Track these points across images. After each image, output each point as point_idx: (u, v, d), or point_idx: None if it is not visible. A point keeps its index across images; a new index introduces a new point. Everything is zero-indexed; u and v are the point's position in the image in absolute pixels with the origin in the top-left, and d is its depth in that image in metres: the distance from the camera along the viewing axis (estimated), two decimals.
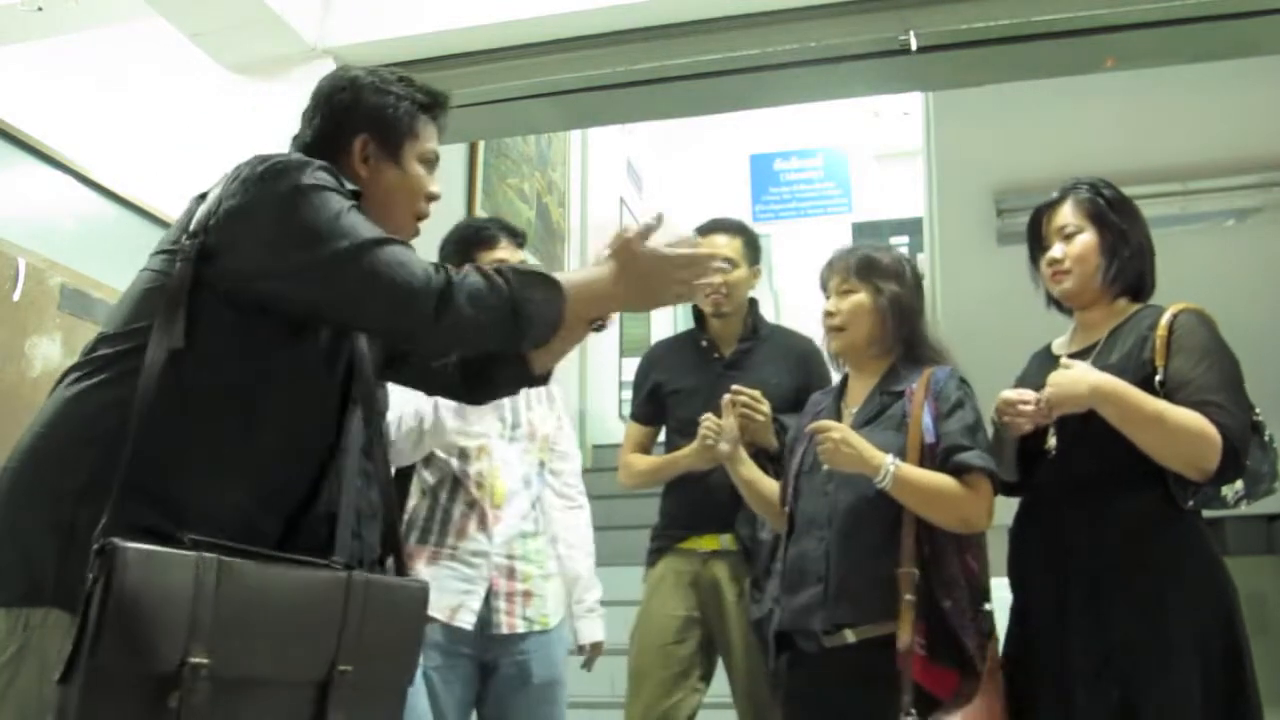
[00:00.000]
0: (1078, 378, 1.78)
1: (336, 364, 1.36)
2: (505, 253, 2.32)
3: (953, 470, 1.87)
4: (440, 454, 2.22)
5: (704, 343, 2.68)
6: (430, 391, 1.74)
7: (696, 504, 2.43)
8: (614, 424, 6.09)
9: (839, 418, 2.05)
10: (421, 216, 1.51)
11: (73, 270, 2.43)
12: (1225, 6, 2.51)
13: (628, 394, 2.97)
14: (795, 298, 5.85)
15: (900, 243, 6.88)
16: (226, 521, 1.19)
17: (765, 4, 2.70)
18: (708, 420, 2.20)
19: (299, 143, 1.47)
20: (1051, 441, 1.88)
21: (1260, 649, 1.78)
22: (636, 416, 2.71)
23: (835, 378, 2.25)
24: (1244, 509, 1.90)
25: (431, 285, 1.24)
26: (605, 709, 3.12)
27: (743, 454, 2.17)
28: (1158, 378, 1.78)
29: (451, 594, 2.13)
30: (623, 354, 6.60)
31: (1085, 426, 1.82)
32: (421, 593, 1.37)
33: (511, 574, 2.20)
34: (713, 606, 2.48)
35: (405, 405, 2.11)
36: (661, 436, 2.74)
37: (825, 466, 1.94)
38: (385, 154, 1.45)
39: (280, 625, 1.16)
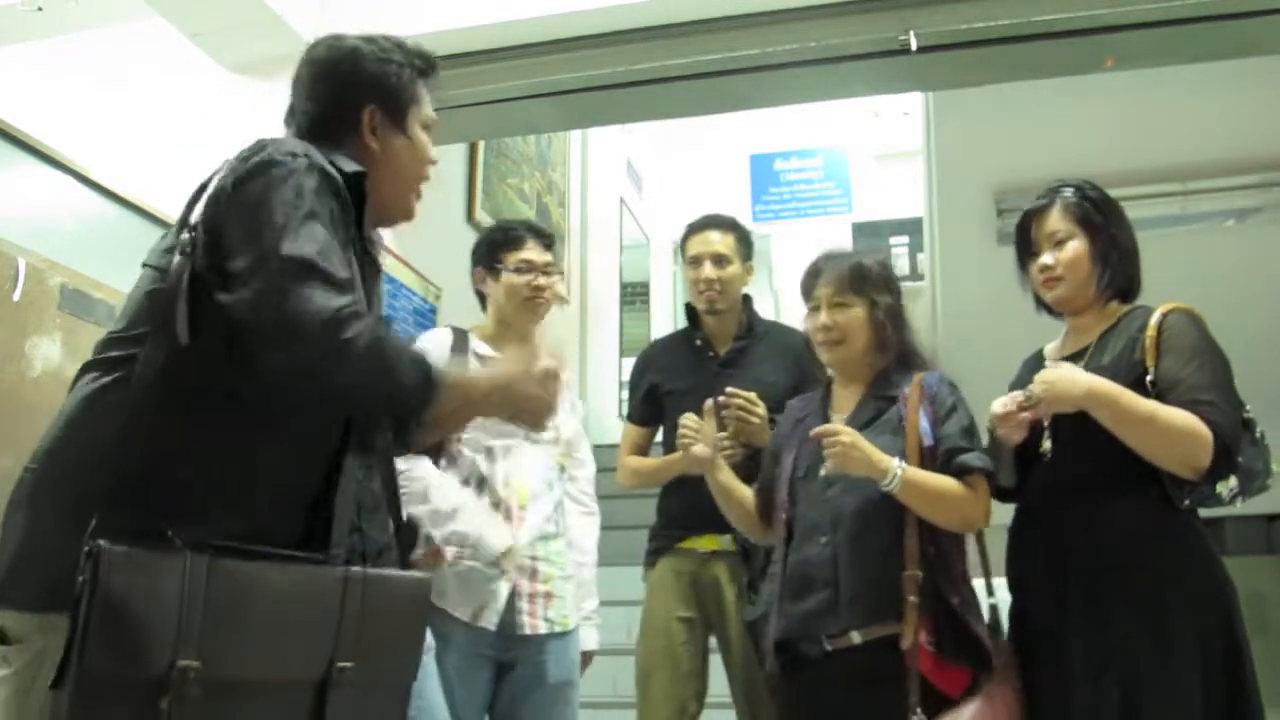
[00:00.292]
0: (1072, 379, 1.79)
1: None
2: (532, 253, 2.35)
3: (955, 471, 1.90)
4: (467, 452, 2.22)
5: (698, 341, 2.67)
6: None
7: (695, 504, 2.40)
8: (613, 423, 6.09)
9: (829, 423, 2.04)
10: (423, 180, 1.50)
11: (73, 270, 2.43)
12: (1225, 6, 2.51)
13: (627, 394, 2.98)
14: (795, 298, 5.84)
15: (900, 243, 6.88)
16: (240, 522, 1.17)
17: (765, 4, 2.70)
18: (687, 419, 2.18)
19: (301, 119, 1.43)
20: (1046, 445, 1.89)
21: (1260, 649, 1.78)
22: (633, 418, 2.71)
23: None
24: (1243, 509, 1.90)
25: (331, 327, 1.14)
26: (607, 709, 3.12)
27: (720, 460, 2.17)
28: (1149, 378, 1.79)
29: (476, 594, 2.12)
30: (623, 354, 6.60)
31: (1080, 429, 1.82)
32: (422, 586, 1.34)
33: (534, 575, 2.19)
34: (713, 606, 2.48)
35: None
36: (658, 436, 2.73)
37: (823, 472, 1.94)
38: (392, 123, 1.43)
39: (274, 624, 1.14)
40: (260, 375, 1.19)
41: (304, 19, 2.90)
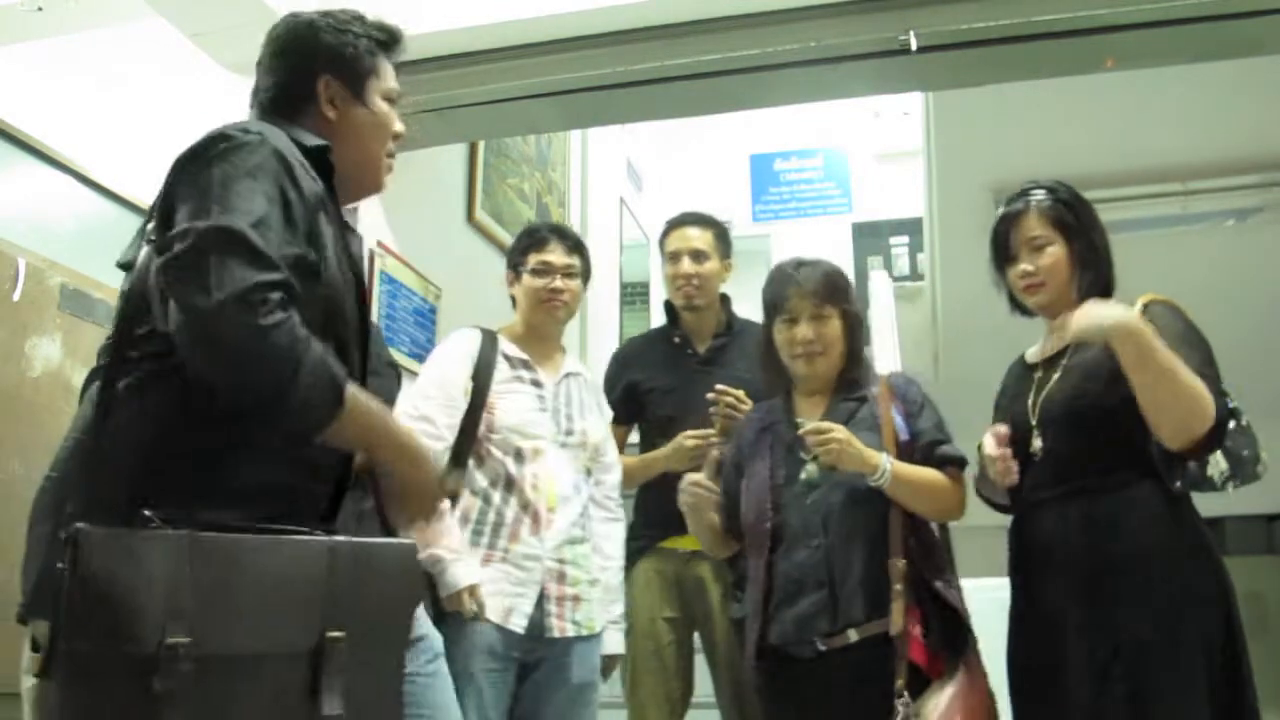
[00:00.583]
0: (1107, 307, 1.77)
1: (346, 348, 1.32)
2: (553, 256, 2.36)
3: (936, 462, 1.98)
4: (496, 453, 2.22)
5: (677, 339, 2.68)
6: None
7: (675, 505, 2.41)
8: None
9: (795, 430, 2.07)
10: (390, 154, 1.49)
11: (73, 270, 2.44)
12: (1225, 6, 2.51)
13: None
14: None
15: (900, 243, 6.88)
16: (267, 500, 1.19)
17: (765, 4, 2.70)
18: (690, 436, 2.31)
19: (262, 97, 1.44)
20: (1037, 444, 1.90)
21: (1260, 649, 1.79)
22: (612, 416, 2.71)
23: None
24: (1243, 509, 1.91)
25: (250, 296, 1.11)
26: (605, 709, 3.12)
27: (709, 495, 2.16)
28: None
29: (505, 596, 2.13)
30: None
31: (1069, 427, 1.83)
32: (409, 551, 1.30)
33: (562, 578, 2.20)
34: (698, 606, 2.48)
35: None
36: (634, 436, 2.72)
37: (803, 476, 1.99)
38: (351, 94, 1.43)
39: (263, 597, 1.14)
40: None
41: None
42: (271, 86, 1.43)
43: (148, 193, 2.80)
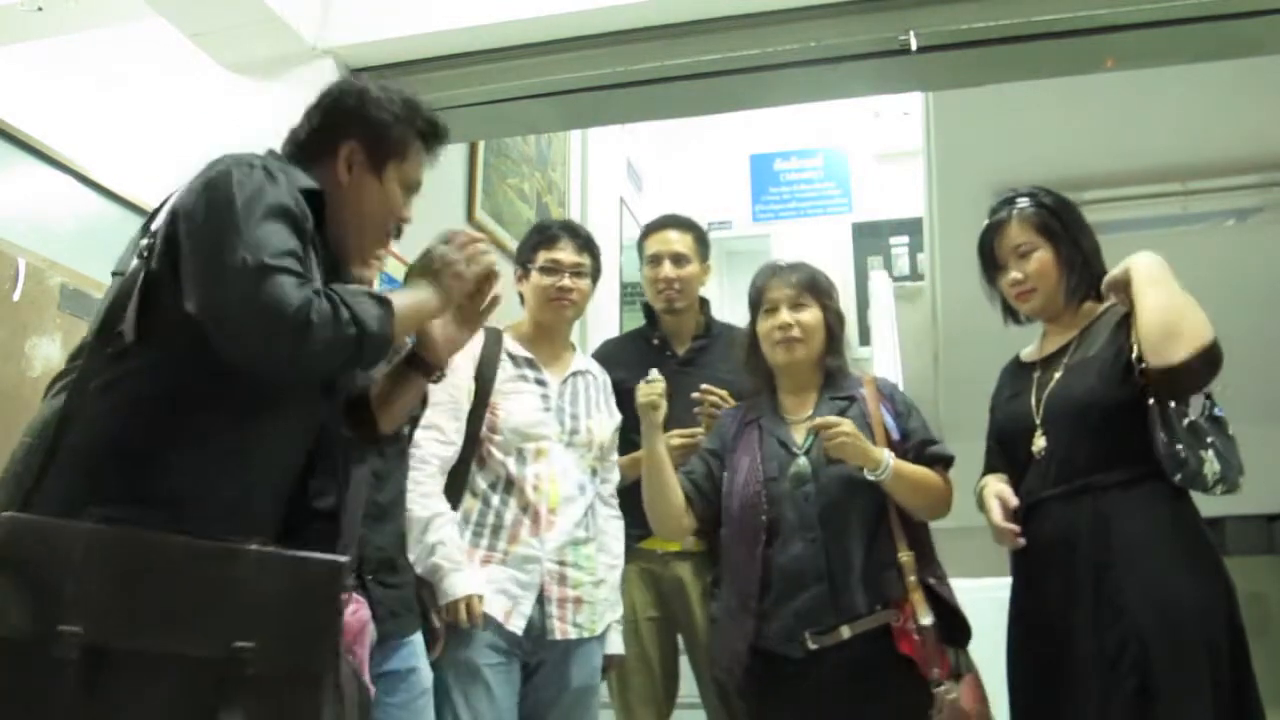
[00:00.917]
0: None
1: None
2: (562, 253, 2.34)
3: (928, 461, 2.04)
4: (497, 454, 2.21)
5: (656, 340, 2.68)
6: None
7: None
8: None
9: (785, 426, 2.12)
10: (387, 236, 1.52)
11: (73, 270, 2.43)
12: (1225, 6, 2.51)
13: None
14: None
15: (900, 243, 6.88)
16: (219, 513, 1.22)
17: (765, 4, 2.70)
18: (677, 435, 2.32)
19: (293, 136, 1.49)
20: (1040, 443, 1.90)
21: (1260, 649, 1.79)
22: None
23: None
24: (1243, 509, 1.91)
25: (294, 315, 1.20)
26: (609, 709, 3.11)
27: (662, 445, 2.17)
28: (1140, 366, 1.80)
29: (506, 597, 2.11)
30: None
31: (1075, 424, 1.84)
32: (331, 569, 1.28)
33: (563, 580, 2.18)
34: (679, 606, 2.47)
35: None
36: None
37: (793, 471, 2.02)
38: (370, 165, 1.46)
39: (173, 599, 1.15)
40: (228, 371, 1.23)
41: (304, 19, 2.90)
42: (302, 129, 1.49)
43: (148, 193, 2.81)
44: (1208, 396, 1.80)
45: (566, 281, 2.33)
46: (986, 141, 3.58)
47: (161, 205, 1.36)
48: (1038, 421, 1.91)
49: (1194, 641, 1.71)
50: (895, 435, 2.07)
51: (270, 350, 1.21)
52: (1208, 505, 1.84)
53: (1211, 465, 1.74)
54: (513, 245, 3.43)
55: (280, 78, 2.89)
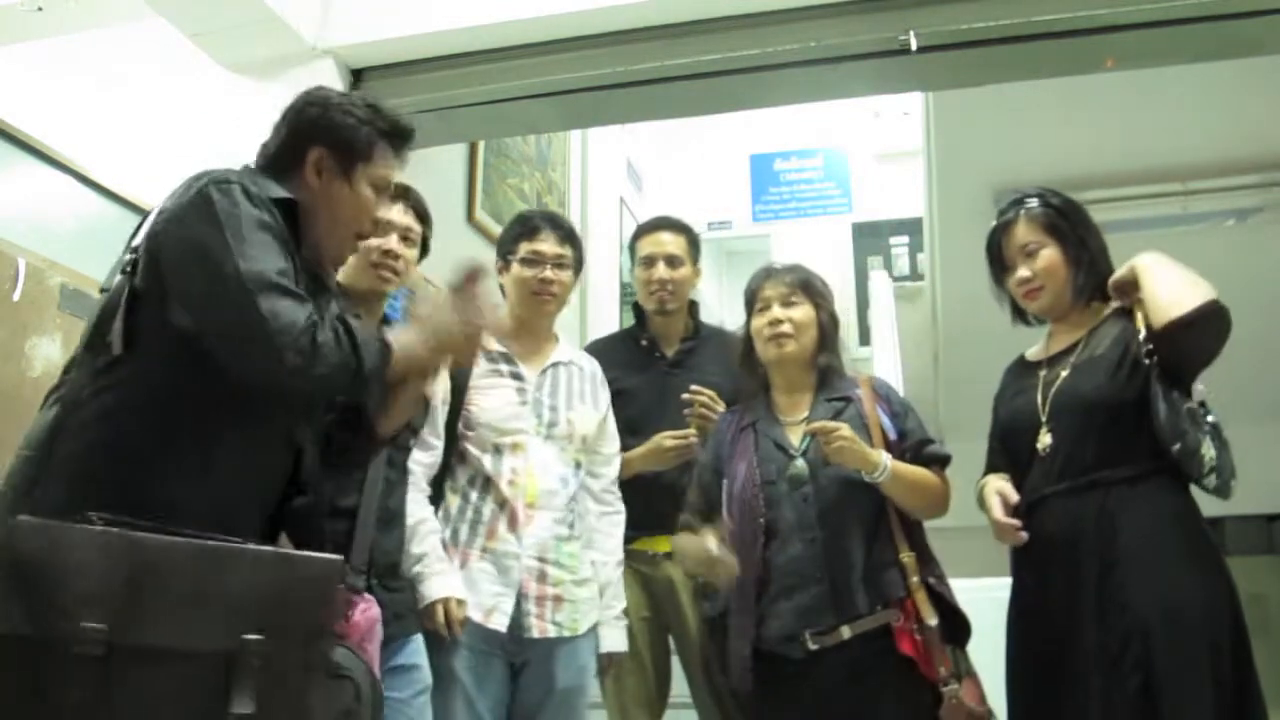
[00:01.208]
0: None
1: None
2: (544, 245, 2.31)
3: (925, 461, 2.05)
4: (473, 450, 2.19)
5: (644, 341, 2.68)
6: None
7: (647, 505, 2.39)
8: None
9: (781, 428, 2.12)
10: (363, 236, 1.58)
11: (73, 270, 2.44)
12: (1225, 6, 2.51)
13: None
14: None
15: (900, 243, 6.88)
16: (208, 516, 1.26)
17: (765, 4, 2.70)
18: (669, 437, 2.35)
19: (264, 149, 1.53)
20: (1046, 440, 1.90)
21: (1260, 649, 1.79)
22: None
23: None
24: (1243, 509, 1.91)
25: (303, 338, 1.28)
26: (593, 710, 3.11)
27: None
28: (1150, 359, 1.80)
29: (486, 595, 2.10)
30: None
31: (1082, 421, 1.84)
32: (331, 568, 1.34)
33: (543, 577, 2.14)
34: (669, 607, 2.47)
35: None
36: None
37: (790, 472, 2.03)
38: (338, 169, 1.50)
39: (184, 596, 1.20)
40: (215, 379, 1.30)
41: (304, 19, 2.90)
42: (270, 143, 1.53)
43: (148, 193, 2.81)
44: (1202, 404, 1.81)
45: (548, 273, 2.30)
46: (986, 141, 3.58)
47: (143, 222, 1.41)
48: (1043, 419, 1.92)
49: (1198, 640, 1.72)
50: (892, 435, 2.07)
51: (272, 368, 1.28)
52: (1207, 505, 1.84)
53: (1208, 449, 1.75)
54: None
55: (280, 78, 2.89)
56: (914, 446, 2.07)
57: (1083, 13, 2.55)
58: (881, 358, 4.51)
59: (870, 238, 7.04)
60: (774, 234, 7.21)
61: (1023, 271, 2.00)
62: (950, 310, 4.15)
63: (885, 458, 1.97)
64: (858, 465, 1.96)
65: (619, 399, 2.55)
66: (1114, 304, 1.96)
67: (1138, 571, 1.76)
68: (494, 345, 2.30)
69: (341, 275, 2.27)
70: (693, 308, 2.73)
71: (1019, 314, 2.10)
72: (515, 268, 2.33)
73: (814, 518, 1.99)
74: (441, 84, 2.92)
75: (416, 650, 1.97)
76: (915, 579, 1.94)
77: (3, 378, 2.25)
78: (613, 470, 2.40)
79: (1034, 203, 2.02)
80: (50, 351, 2.35)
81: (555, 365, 2.35)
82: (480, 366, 2.25)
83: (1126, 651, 1.73)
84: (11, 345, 2.28)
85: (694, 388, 2.40)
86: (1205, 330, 1.75)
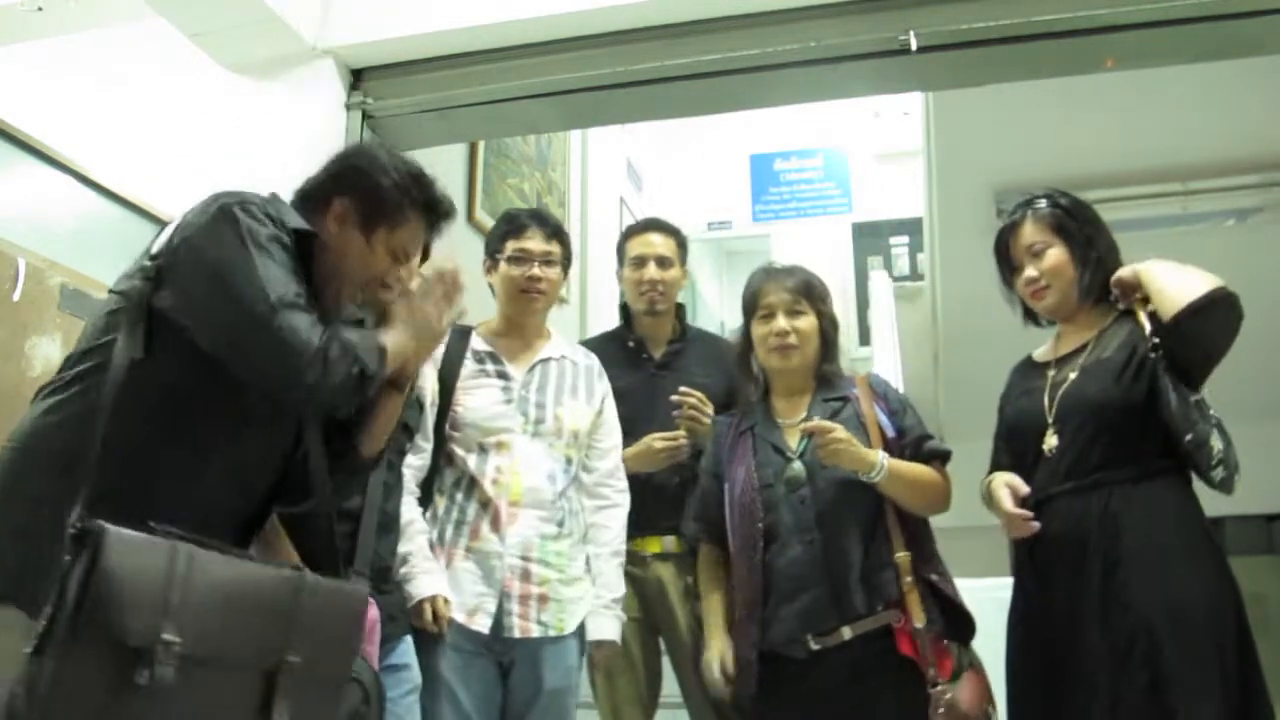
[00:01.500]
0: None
1: None
2: (531, 242, 2.31)
3: (925, 457, 2.04)
4: (459, 451, 2.19)
5: (631, 343, 2.68)
6: None
7: (637, 506, 2.37)
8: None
9: (779, 431, 2.12)
10: (368, 290, 1.55)
11: (73, 270, 2.43)
12: (1225, 6, 2.50)
13: None
14: None
15: (900, 243, 6.88)
16: (191, 518, 1.27)
17: (765, 4, 2.70)
18: (659, 439, 2.36)
19: (305, 180, 1.56)
20: (1052, 441, 1.90)
21: (1261, 649, 1.79)
22: None
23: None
24: (1243, 509, 1.92)
25: (315, 354, 1.32)
26: (582, 710, 3.10)
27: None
28: (1157, 354, 1.81)
29: (470, 595, 2.10)
30: None
31: (1090, 422, 1.84)
32: (360, 597, 1.47)
33: (526, 576, 2.13)
34: (659, 608, 2.46)
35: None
36: None
37: (788, 475, 2.03)
38: (360, 224, 1.51)
39: (239, 613, 1.25)
40: (213, 381, 1.35)
41: (304, 19, 2.90)
42: (315, 178, 1.56)
43: (148, 193, 2.81)
44: (1202, 401, 1.81)
45: (536, 270, 2.30)
46: (986, 141, 3.58)
47: (161, 230, 1.43)
48: (1050, 420, 1.92)
49: (1203, 637, 1.72)
50: (890, 433, 2.07)
51: (291, 384, 1.34)
52: (1208, 505, 1.85)
53: (1216, 441, 1.76)
54: None
55: (280, 78, 2.89)
56: (913, 443, 2.07)
57: (1083, 13, 2.55)
58: (881, 358, 4.51)
59: (870, 238, 7.05)
60: (774, 234, 7.21)
61: (1029, 271, 2.00)
62: (950, 310, 4.15)
63: (882, 457, 1.96)
64: (854, 466, 1.96)
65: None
66: (1123, 305, 1.96)
67: (1141, 571, 1.77)
68: (481, 345, 2.30)
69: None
70: (679, 310, 2.73)
71: (1029, 315, 2.10)
72: (503, 266, 2.33)
73: (812, 519, 1.99)
74: (441, 84, 2.92)
75: (406, 651, 1.99)
76: (909, 579, 1.92)
77: (3, 378, 2.24)
78: (609, 463, 2.37)
79: (1042, 203, 2.03)
80: (50, 351, 2.34)
81: (545, 361, 2.35)
82: (468, 367, 2.26)
83: (1133, 649, 1.73)
84: (11, 345, 2.28)
85: (683, 389, 2.40)
86: (1216, 316, 1.76)
